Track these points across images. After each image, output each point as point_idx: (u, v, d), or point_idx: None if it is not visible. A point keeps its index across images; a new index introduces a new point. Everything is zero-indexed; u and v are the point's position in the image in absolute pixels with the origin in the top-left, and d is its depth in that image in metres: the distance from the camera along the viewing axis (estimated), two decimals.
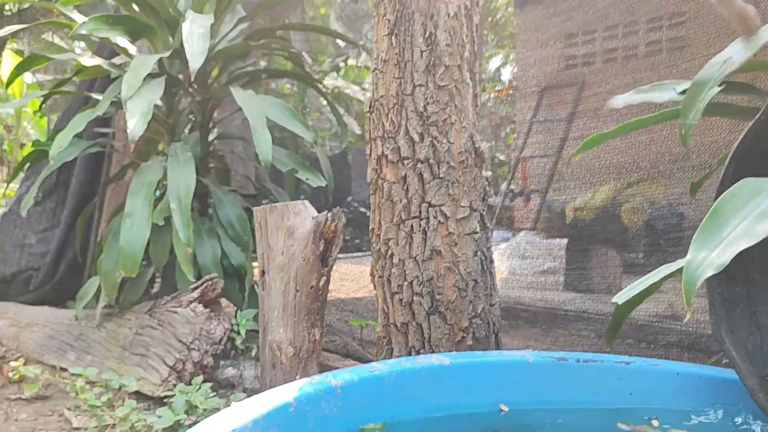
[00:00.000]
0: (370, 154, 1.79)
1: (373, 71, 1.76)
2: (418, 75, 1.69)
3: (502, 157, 7.98)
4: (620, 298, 1.14)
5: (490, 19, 7.90)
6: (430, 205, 1.70)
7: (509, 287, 4.42)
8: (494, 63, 8.49)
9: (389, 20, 1.71)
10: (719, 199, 0.99)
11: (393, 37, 1.70)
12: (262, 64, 3.98)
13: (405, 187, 1.72)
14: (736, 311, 1.14)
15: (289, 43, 3.18)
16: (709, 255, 0.96)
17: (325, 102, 6.91)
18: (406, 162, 1.71)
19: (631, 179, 4.20)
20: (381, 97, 1.74)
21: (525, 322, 3.60)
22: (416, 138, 1.69)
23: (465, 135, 1.71)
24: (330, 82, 7.53)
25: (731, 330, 1.13)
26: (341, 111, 6.71)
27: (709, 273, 0.94)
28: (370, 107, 1.77)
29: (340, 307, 3.75)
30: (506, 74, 8.34)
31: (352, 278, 4.50)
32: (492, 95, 7.81)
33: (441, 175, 1.70)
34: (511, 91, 7.10)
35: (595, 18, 5.17)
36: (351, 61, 7.75)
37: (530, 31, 5.72)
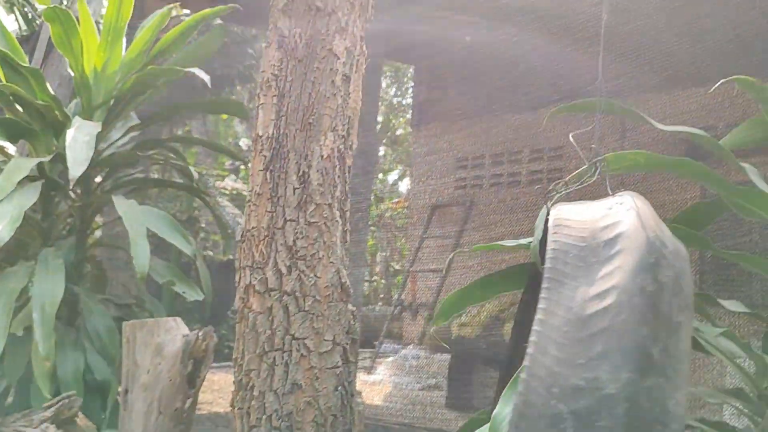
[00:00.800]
0: (239, 283, 1.80)
1: (247, 203, 1.81)
2: (290, 210, 1.75)
3: (397, 267, 8.14)
4: None
5: (389, 134, 8.28)
6: (293, 337, 1.72)
7: (392, 403, 4.40)
8: (393, 176, 8.84)
9: (265, 156, 1.78)
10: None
11: (268, 173, 1.77)
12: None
13: (270, 319, 1.73)
14: None
15: (182, 153, 3.21)
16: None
17: (224, 203, 6.88)
18: (272, 293, 1.73)
19: (513, 299, 4.34)
20: (253, 228, 1.78)
21: None
22: (284, 270, 1.73)
23: (332, 270, 1.77)
24: (230, 183, 7.53)
25: None
26: (237, 212, 6.69)
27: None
28: (241, 237, 1.80)
29: (214, 421, 3.59)
30: (404, 186, 8.68)
31: (229, 391, 4.34)
32: (389, 207, 8.06)
33: (306, 308, 1.73)
34: (407, 204, 7.37)
35: (484, 145, 5.55)
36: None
37: (424, 151, 6.05)
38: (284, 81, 1.80)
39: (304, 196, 1.75)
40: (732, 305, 1.72)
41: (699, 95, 3.65)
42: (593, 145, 1.49)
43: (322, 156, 1.77)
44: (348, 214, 1.85)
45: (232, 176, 7.60)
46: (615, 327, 0.85)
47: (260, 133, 1.80)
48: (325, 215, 1.76)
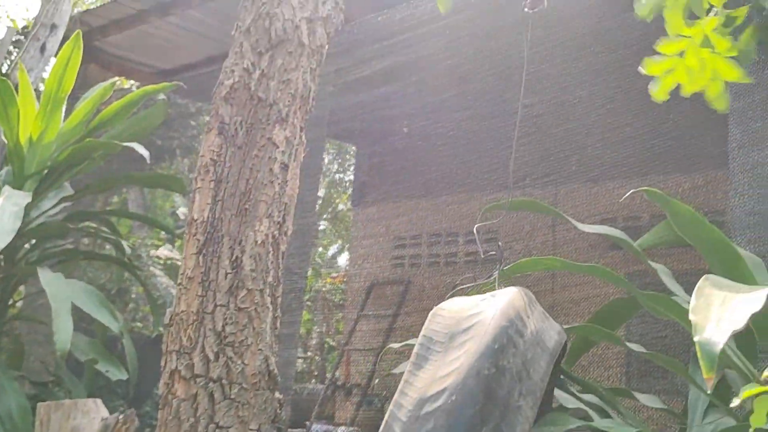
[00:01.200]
0: (164, 367, 1.76)
1: (178, 285, 1.79)
2: (221, 295, 1.74)
3: (332, 343, 8.03)
4: None
5: (330, 209, 8.34)
6: (217, 426, 1.68)
7: None
8: (332, 249, 8.85)
9: (199, 240, 1.78)
10: None
11: (200, 257, 1.77)
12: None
13: (194, 406, 1.69)
14: None
15: (115, 226, 3.16)
16: None
17: (157, 272, 6.70)
18: (198, 380, 1.70)
19: None
20: (182, 312, 1.76)
21: None
22: (211, 356, 1.71)
23: (260, 357, 1.75)
24: (165, 252, 7.37)
25: None
26: (170, 282, 6.52)
27: None
28: (170, 320, 1.78)
29: None
30: (343, 259, 8.69)
31: None
32: (328, 281, 8.02)
33: (232, 396, 1.70)
34: (345, 280, 7.35)
35: (422, 225, 5.66)
36: None
37: (364, 229, 6.11)
38: (222, 166, 1.83)
39: (236, 281, 1.75)
40: (647, 400, 1.79)
41: (625, 188, 3.86)
42: (500, 243, 1.58)
43: (256, 242, 1.79)
44: (279, 299, 1.85)
45: (168, 245, 7.44)
46: (446, 406, 0.92)
47: (195, 217, 1.81)
48: (255, 301, 1.76)
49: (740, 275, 1.43)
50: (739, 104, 2.34)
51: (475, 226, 1.74)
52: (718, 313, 0.96)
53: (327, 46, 2.03)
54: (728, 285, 1.08)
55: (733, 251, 1.47)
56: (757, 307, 0.97)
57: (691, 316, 0.99)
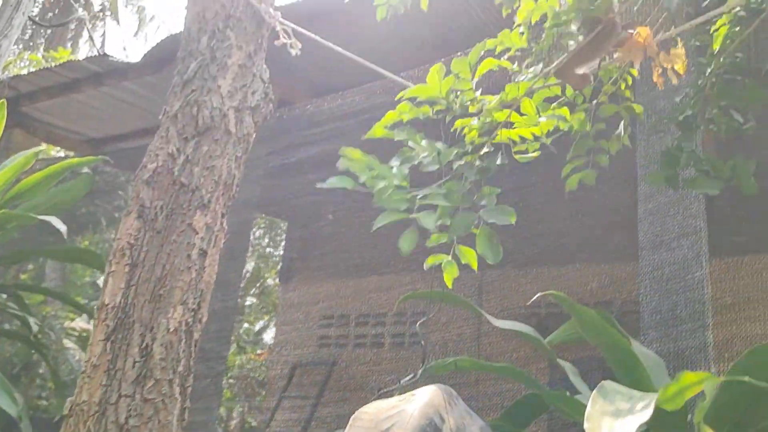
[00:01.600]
0: None
1: (81, 374, 1.72)
2: (126, 385, 1.68)
3: (254, 423, 7.74)
4: None
5: (258, 284, 8.22)
6: None
7: None
8: (259, 325, 8.66)
9: (108, 326, 1.73)
10: None
11: (108, 343, 1.71)
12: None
13: None
14: None
15: (23, 300, 3.02)
16: None
17: (70, 344, 6.38)
18: None
19: None
20: (83, 402, 1.68)
21: None
22: None
23: None
24: (82, 324, 7.06)
25: None
26: (84, 355, 6.21)
27: None
28: (69, 411, 1.69)
29: None
30: (268, 337, 8.50)
31: None
32: (251, 358, 7.82)
33: None
34: (269, 359, 7.17)
35: (348, 305, 5.64)
36: None
37: (291, 306, 6.03)
38: (139, 251, 1.80)
39: (144, 370, 1.70)
40: None
41: (547, 275, 3.99)
42: (422, 342, 1.62)
43: (169, 329, 1.75)
44: (189, 389, 1.80)
45: (85, 316, 7.13)
46: None
47: (106, 302, 1.76)
48: (163, 392, 1.70)
49: (639, 377, 1.49)
50: (646, 207, 2.49)
51: (418, 322, 1.81)
52: (609, 423, 1.00)
53: (254, 135, 2.07)
54: (621, 393, 1.13)
55: (632, 355, 1.53)
56: (645, 418, 1.03)
57: (585, 425, 1.04)
